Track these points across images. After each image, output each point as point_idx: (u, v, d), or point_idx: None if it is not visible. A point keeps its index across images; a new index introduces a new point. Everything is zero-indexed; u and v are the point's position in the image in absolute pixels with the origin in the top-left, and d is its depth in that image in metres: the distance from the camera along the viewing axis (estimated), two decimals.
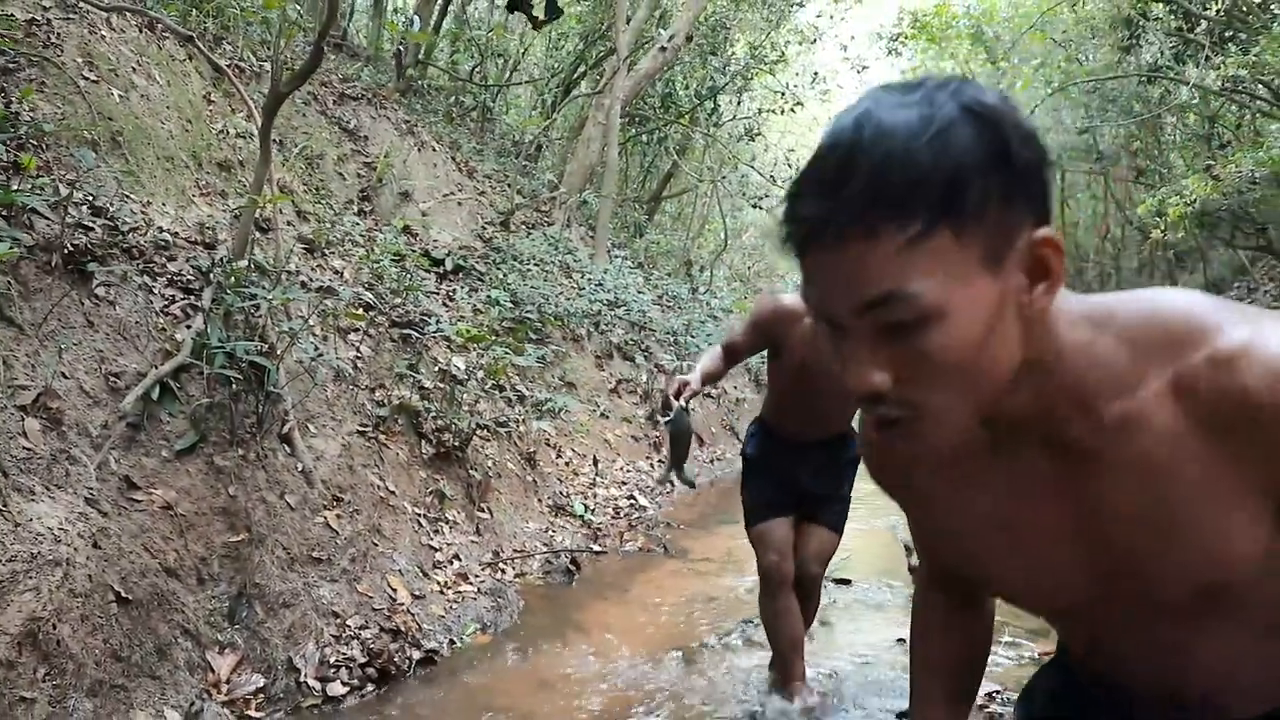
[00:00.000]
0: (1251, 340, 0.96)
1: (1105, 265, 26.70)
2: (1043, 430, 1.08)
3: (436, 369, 6.45)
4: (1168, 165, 21.47)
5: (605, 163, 13.99)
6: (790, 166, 19.83)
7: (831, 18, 20.96)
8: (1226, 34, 15.43)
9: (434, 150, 11.18)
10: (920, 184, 0.90)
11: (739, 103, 20.45)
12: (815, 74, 20.38)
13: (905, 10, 22.56)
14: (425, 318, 6.61)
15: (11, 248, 3.58)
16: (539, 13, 3.07)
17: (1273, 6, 15.04)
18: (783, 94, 18.73)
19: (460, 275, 8.80)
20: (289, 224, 6.77)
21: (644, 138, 18.61)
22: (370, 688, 3.88)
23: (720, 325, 14.62)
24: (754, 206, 20.68)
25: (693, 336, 12.18)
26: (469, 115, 14.32)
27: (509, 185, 12.27)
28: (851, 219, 0.92)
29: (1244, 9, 15.43)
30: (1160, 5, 16.38)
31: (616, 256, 13.44)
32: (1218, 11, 15.91)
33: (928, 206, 0.91)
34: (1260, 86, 14.89)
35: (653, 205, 20.68)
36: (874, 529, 7.23)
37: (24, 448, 3.38)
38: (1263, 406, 0.94)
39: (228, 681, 3.58)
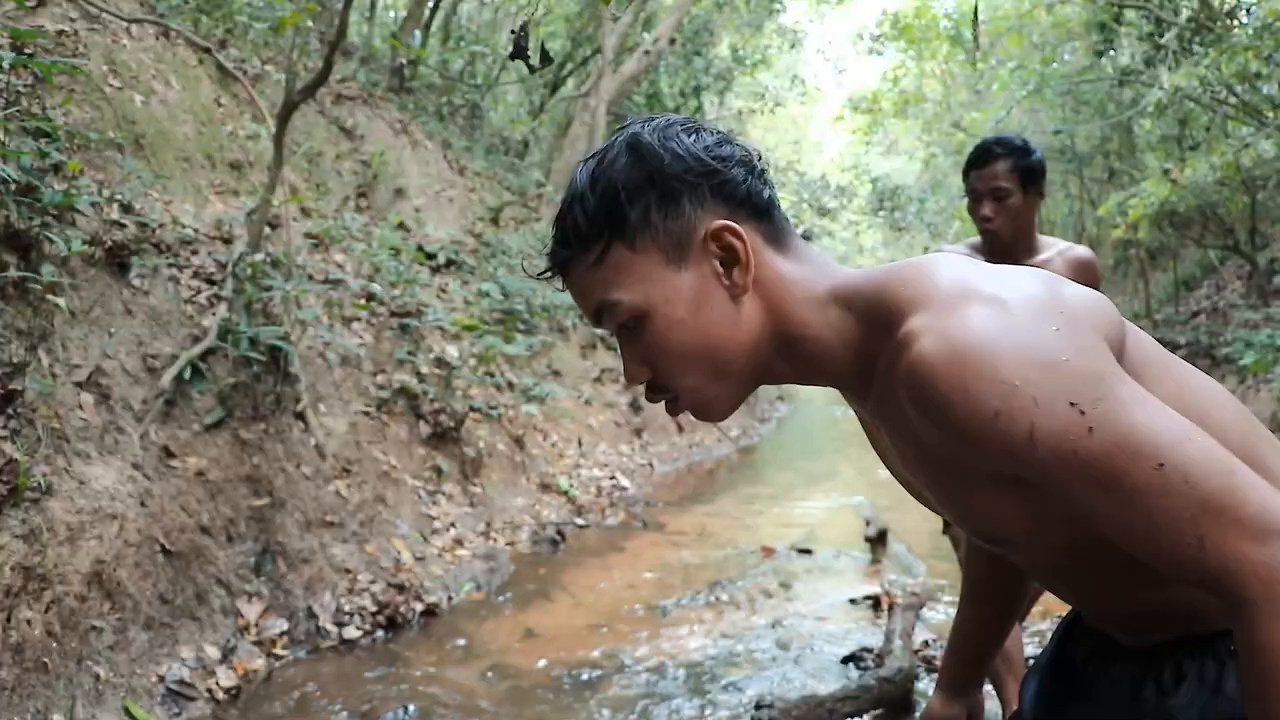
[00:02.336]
0: (928, 324, 0.98)
1: None
2: (851, 390, 1.17)
3: (432, 356, 6.95)
4: (1142, 166, 21.91)
5: None
6: (770, 166, 20.32)
7: (811, 21, 21.46)
8: (1195, 40, 15.96)
9: (426, 148, 11.65)
10: (591, 217, 1.12)
11: (721, 102, 20.95)
12: (795, 76, 20.89)
13: (886, 12, 23.08)
14: (422, 308, 7.11)
15: (80, 245, 4.06)
16: (535, 62, 3.56)
17: (1238, 15, 15.57)
18: (763, 96, 19.22)
19: (453, 269, 9.29)
20: (294, 220, 7.25)
21: None
22: (380, 633, 4.41)
23: None
24: None
25: None
26: (458, 113, 14.78)
27: (498, 183, 12.76)
28: (562, 257, 1.15)
29: (1209, 17, 15.99)
30: (1132, 11, 16.91)
31: None
32: (1187, 20, 16.45)
33: (598, 232, 1.11)
34: (1226, 92, 15.40)
35: None
36: (840, 505, 7.78)
37: (81, 419, 3.87)
38: (923, 389, 0.97)
39: (256, 625, 4.09)
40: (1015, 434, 0.93)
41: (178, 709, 3.47)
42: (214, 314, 4.88)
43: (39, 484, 3.31)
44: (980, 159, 2.90)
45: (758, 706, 2.96)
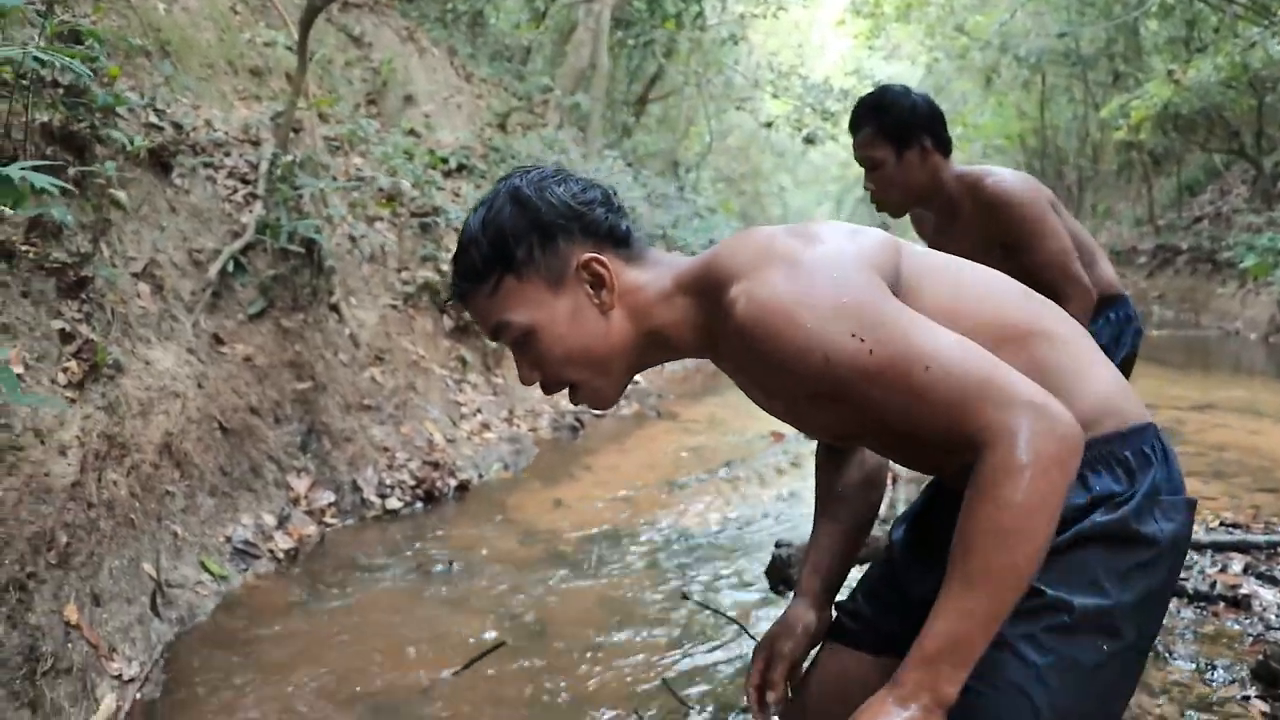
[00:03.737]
0: (740, 291, 1.27)
1: (1084, 169, 27.12)
2: (711, 355, 1.47)
3: (451, 257, 7.21)
4: (1148, 69, 21.71)
5: (595, 66, 14.55)
6: (772, 70, 20.25)
7: None
8: None
9: (433, 55, 11.77)
10: (484, 256, 1.39)
11: (724, 7, 20.82)
12: None
13: None
14: (438, 210, 7.35)
15: (142, 141, 4.31)
16: None
17: None
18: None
19: (464, 173, 9.49)
20: (313, 126, 7.45)
21: (630, 41, 19.01)
22: (419, 505, 4.77)
23: (706, 223, 15.35)
24: (737, 109, 21.18)
25: (680, 231, 12.92)
26: (461, 20, 14.80)
27: (504, 89, 12.87)
28: (463, 290, 1.44)
29: None
30: None
31: (607, 156, 14.09)
32: None
33: (490, 267, 1.39)
34: None
35: (639, 108, 21.17)
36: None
37: (140, 307, 4.16)
38: (747, 343, 1.26)
39: (306, 497, 4.43)
40: (816, 363, 1.21)
41: (245, 565, 3.82)
42: (250, 211, 5.13)
43: (113, 362, 3.61)
44: (850, 128, 2.72)
45: (777, 545, 3.30)
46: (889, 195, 2.68)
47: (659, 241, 12.51)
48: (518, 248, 1.39)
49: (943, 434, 1.21)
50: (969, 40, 24.26)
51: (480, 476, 5.27)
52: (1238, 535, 4.00)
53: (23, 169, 2.67)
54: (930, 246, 2.65)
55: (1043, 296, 1.48)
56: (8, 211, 3.26)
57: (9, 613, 2.63)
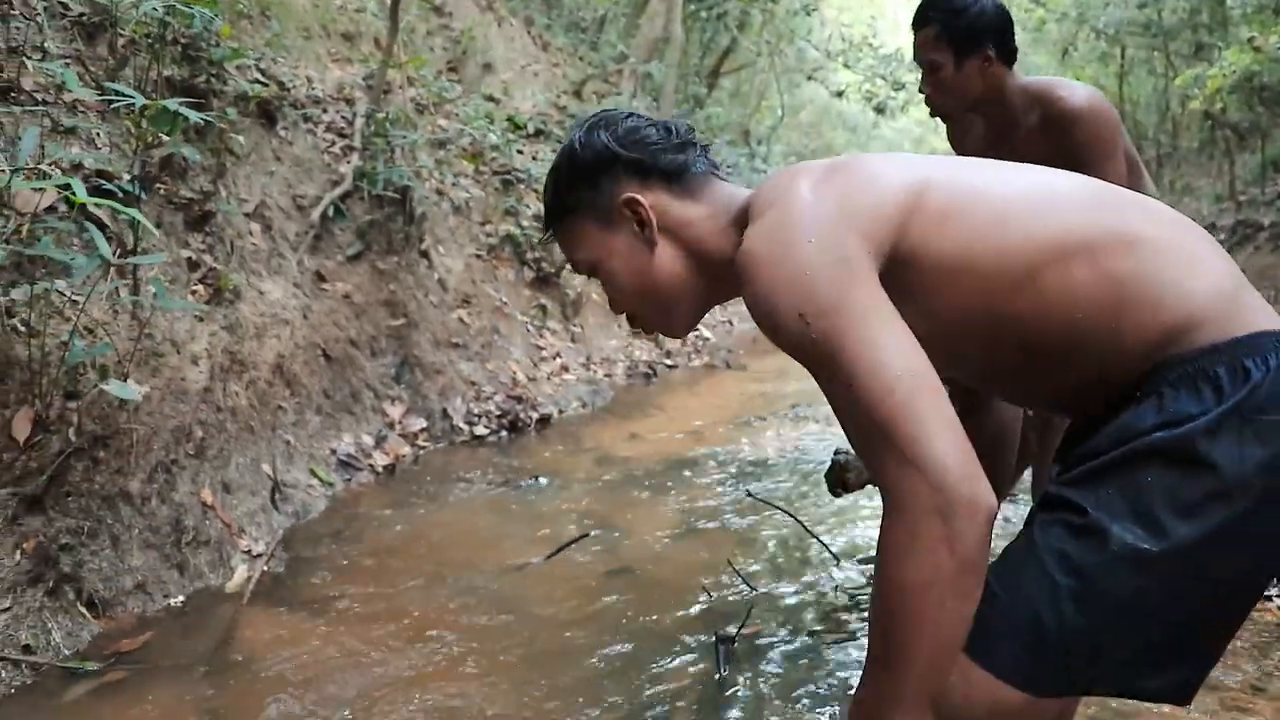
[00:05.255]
0: (749, 232, 1.30)
1: (1163, 144, 26.52)
2: None
3: (531, 213, 7.55)
4: (1233, 40, 21.07)
5: (669, 36, 14.78)
6: (845, 41, 20.27)
7: None
8: None
9: (511, 25, 12.09)
10: (550, 201, 1.55)
11: None
12: None
13: None
14: (518, 169, 7.69)
15: (260, 89, 4.69)
16: None
17: None
18: None
19: (541, 138, 9.82)
20: (400, 88, 7.83)
21: (704, 14, 19.17)
22: (504, 433, 5.13)
23: None
24: (809, 78, 21.23)
25: None
26: None
27: (579, 58, 13.17)
28: (546, 225, 1.59)
29: None
30: None
31: None
32: None
33: (553, 211, 1.54)
34: None
35: (712, 80, 21.33)
36: None
37: (253, 244, 4.53)
38: (737, 276, 1.29)
39: (400, 422, 4.79)
40: (771, 328, 1.23)
41: (348, 475, 4.19)
42: (348, 162, 5.50)
43: (234, 289, 3.99)
44: (913, 24, 2.57)
45: (836, 452, 3.56)
46: (943, 100, 2.56)
47: None
48: (570, 194, 1.51)
49: (854, 439, 1.19)
50: (1045, 12, 23.92)
51: (560, 412, 5.60)
52: None
53: (179, 104, 3.02)
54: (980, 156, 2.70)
55: (1132, 194, 1.37)
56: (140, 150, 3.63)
57: (158, 490, 3.01)
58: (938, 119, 2.77)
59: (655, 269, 1.48)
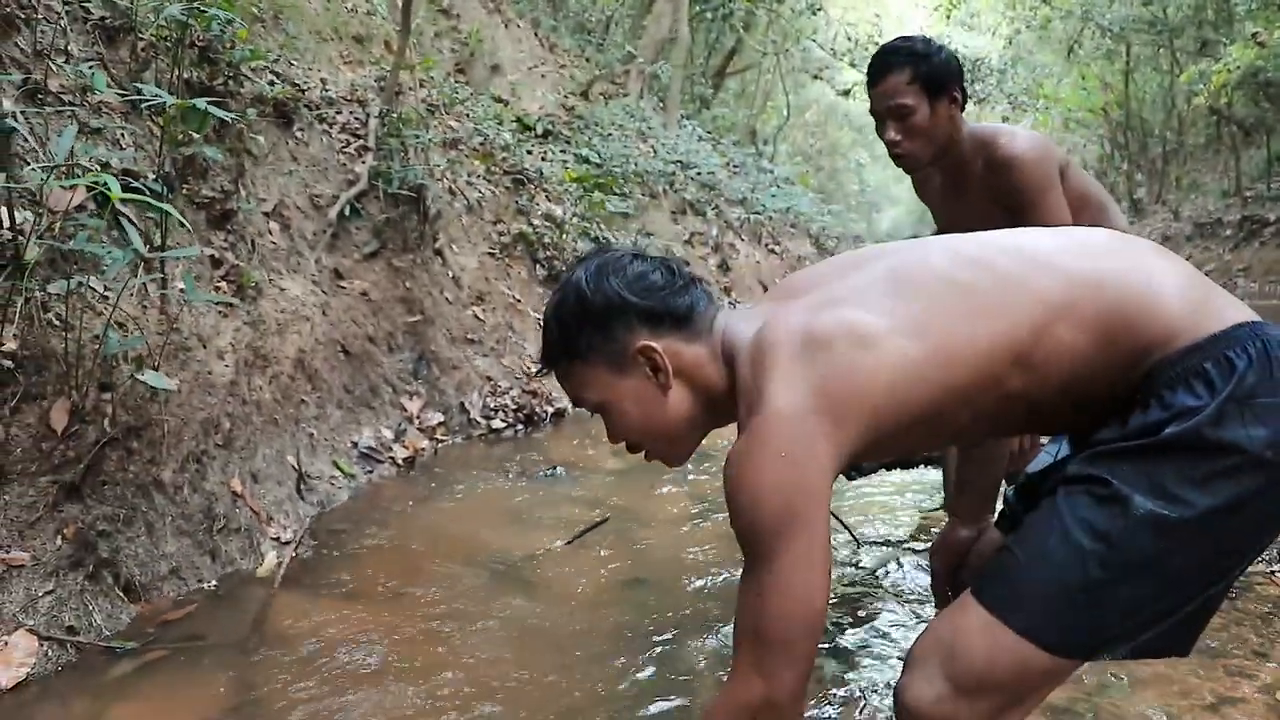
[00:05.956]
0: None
1: (1169, 141, 26.45)
2: None
3: (540, 213, 7.63)
4: (1238, 36, 21.05)
5: (675, 37, 14.88)
6: (850, 40, 20.35)
7: None
8: None
9: (518, 27, 12.20)
10: (553, 344, 1.56)
11: None
12: None
13: None
14: (528, 170, 7.77)
15: (280, 88, 4.77)
16: None
17: None
18: None
19: (550, 138, 9.91)
20: (411, 89, 7.92)
21: (709, 14, 19.26)
22: (520, 427, 5.21)
23: (784, 192, 15.60)
24: (815, 78, 21.30)
25: (758, 195, 13.22)
26: None
27: (586, 59, 13.26)
28: (548, 366, 1.60)
29: None
30: None
31: (686, 125, 14.42)
32: None
33: (561, 354, 1.55)
34: None
35: (718, 80, 21.44)
36: None
37: (272, 242, 4.62)
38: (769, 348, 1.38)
39: (419, 416, 4.87)
40: (734, 524, 1.35)
41: (370, 468, 4.27)
42: (363, 162, 5.58)
43: (255, 286, 4.07)
44: (874, 73, 2.53)
45: None
46: (916, 148, 2.52)
47: (739, 205, 12.82)
48: (579, 339, 1.52)
49: (739, 618, 1.35)
50: (1051, 10, 23.98)
51: (574, 408, 5.68)
52: None
53: (207, 103, 3.10)
54: (940, 209, 2.82)
55: (1082, 232, 1.52)
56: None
57: (190, 479, 3.10)
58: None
59: (669, 411, 1.53)
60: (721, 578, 3.07)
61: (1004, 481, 2.10)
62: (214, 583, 2.98)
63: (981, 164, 2.54)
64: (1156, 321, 1.32)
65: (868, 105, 2.61)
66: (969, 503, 2.02)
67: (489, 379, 5.43)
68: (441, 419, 4.94)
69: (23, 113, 3.13)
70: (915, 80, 2.44)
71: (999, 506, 1.86)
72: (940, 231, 2.89)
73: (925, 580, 2.93)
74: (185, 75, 4.41)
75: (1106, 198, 2.86)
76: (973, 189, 2.61)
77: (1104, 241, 1.45)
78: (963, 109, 2.54)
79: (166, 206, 2.83)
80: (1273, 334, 1.31)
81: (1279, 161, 20.66)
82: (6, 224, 2.80)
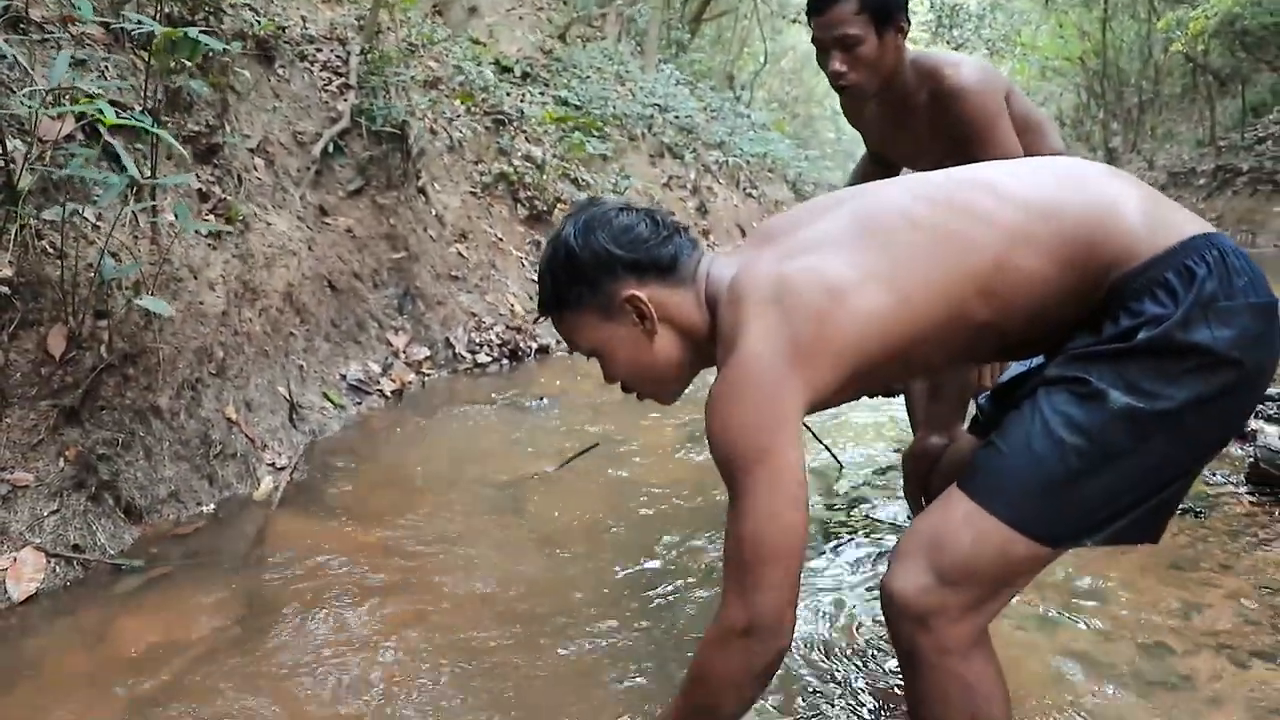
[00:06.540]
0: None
1: (1145, 90, 26.41)
2: None
3: (521, 154, 7.64)
4: None
5: None
6: None
7: None
8: None
9: None
10: (546, 295, 1.65)
11: None
12: None
13: None
14: (509, 111, 7.76)
15: (268, 23, 4.75)
16: None
17: None
18: None
19: (528, 80, 9.87)
20: (389, 29, 7.87)
21: None
22: (505, 362, 5.27)
23: (761, 136, 15.59)
24: (793, 22, 21.18)
25: (736, 139, 13.22)
26: None
27: (564, 2, 13.16)
28: (540, 313, 1.70)
29: None
30: None
31: (663, 69, 14.36)
32: None
33: (554, 304, 1.64)
34: None
35: (694, 25, 21.28)
36: None
37: (257, 179, 4.62)
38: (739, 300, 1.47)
39: (405, 350, 4.92)
40: (714, 456, 1.43)
41: (359, 399, 4.33)
42: (345, 100, 5.57)
43: (243, 219, 4.09)
44: (818, 2, 2.43)
45: None
46: (862, 79, 2.45)
47: (716, 149, 12.82)
48: (569, 291, 1.61)
49: (727, 543, 1.42)
50: None
51: (558, 343, 5.73)
52: None
53: (200, 32, 3.11)
54: (877, 137, 2.79)
55: (1034, 161, 1.58)
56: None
57: (186, 405, 3.14)
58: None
59: (655, 354, 1.61)
60: (714, 495, 3.15)
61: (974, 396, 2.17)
62: (212, 506, 3.04)
63: (926, 95, 2.50)
64: (1116, 241, 1.39)
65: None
66: (940, 410, 2.09)
67: (473, 315, 5.47)
68: (428, 353, 4.99)
69: (6, 40, 3.12)
70: (863, 10, 2.37)
71: (970, 414, 1.94)
72: (874, 155, 2.91)
73: (903, 504, 3.03)
74: (166, 9, 4.39)
75: (1045, 119, 2.84)
76: (915, 119, 2.58)
77: (1061, 169, 1.52)
78: (905, 36, 2.48)
79: (162, 133, 2.85)
80: (1228, 244, 1.40)
81: (1253, 112, 20.77)
82: None
